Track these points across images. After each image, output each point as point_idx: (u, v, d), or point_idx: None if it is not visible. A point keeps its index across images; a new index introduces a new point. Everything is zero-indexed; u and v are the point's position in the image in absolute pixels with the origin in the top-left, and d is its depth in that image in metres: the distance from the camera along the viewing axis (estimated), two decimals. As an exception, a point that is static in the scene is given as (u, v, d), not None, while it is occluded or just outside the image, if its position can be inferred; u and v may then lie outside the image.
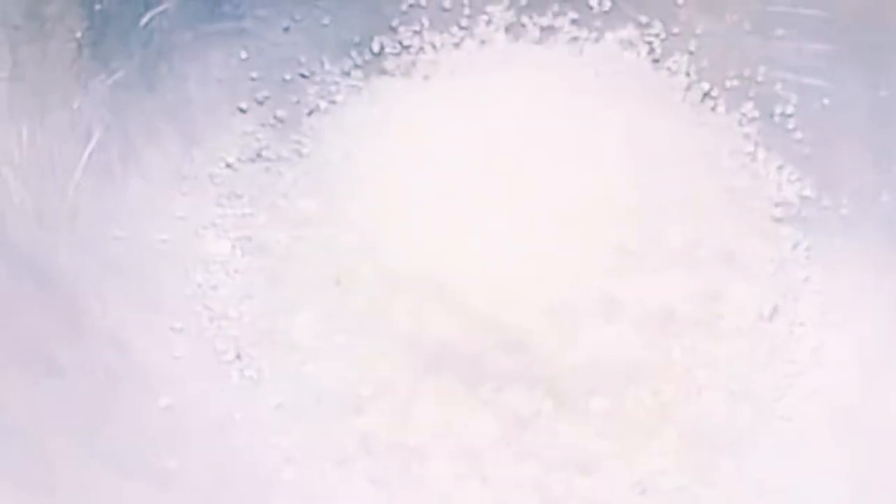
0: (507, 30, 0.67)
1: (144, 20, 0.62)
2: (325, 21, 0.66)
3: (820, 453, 0.56)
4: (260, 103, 0.66)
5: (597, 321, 0.58)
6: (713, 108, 0.65)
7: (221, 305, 0.61)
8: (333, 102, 0.66)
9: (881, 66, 0.61)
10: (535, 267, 0.57)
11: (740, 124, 0.65)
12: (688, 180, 0.62)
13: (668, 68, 0.66)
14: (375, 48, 0.67)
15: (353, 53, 0.67)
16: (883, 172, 0.61)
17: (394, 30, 0.67)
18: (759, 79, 0.65)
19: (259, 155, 0.65)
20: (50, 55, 0.59)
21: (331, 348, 0.59)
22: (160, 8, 0.63)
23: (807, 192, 0.63)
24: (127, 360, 0.57)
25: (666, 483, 0.57)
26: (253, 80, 0.66)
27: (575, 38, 0.67)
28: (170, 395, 0.57)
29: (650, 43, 0.66)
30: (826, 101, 0.63)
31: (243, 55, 0.65)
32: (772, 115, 0.65)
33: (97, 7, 0.60)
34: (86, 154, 0.60)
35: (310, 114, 0.66)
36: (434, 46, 0.67)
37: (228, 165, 0.65)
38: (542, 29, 0.67)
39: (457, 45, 0.67)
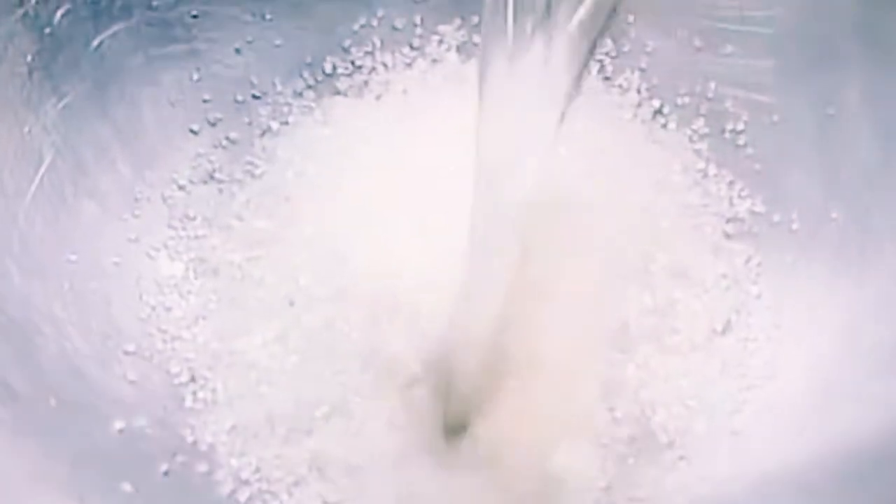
0: (459, 49, 0.67)
1: (95, 43, 0.62)
2: (278, 42, 0.66)
3: (772, 467, 0.56)
4: (212, 125, 0.66)
5: (551, 338, 0.58)
6: (664, 125, 0.66)
7: (175, 328, 0.61)
8: (286, 123, 0.66)
9: (829, 83, 0.62)
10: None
11: (691, 141, 0.65)
12: (639, 197, 0.63)
13: (620, 86, 0.67)
14: (328, 69, 0.67)
15: (306, 74, 0.67)
16: (832, 189, 0.61)
17: (346, 50, 0.67)
18: (710, 95, 0.65)
19: (212, 176, 0.65)
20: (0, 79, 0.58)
21: (285, 369, 0.59)
22: (111, 30, 0.62)
23: (758, 208, 0.64)
24: (80, 384, 0.57)
25: (621, 499, 0.57)
26: (205, 101, 0.66)
27: (527, 57, 0.67)
28: (124, 418, 0.56)
29: (601, 61, 0.67)
30: (776, 117, 0.63)
31: (195, 77, 0.65)
32: (722, 132, 0.65)
33: (47, 30, 0.60)
34: (37, 178, 0.59)
35: (262, 135, 0.66)
36: (386, 66, 0.67)
37: (181, 187, 0.64)
38: (494, 48, 0.67)
39: (409, 65, 0.67)
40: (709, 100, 0.65)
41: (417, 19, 0.67)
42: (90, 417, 0.56)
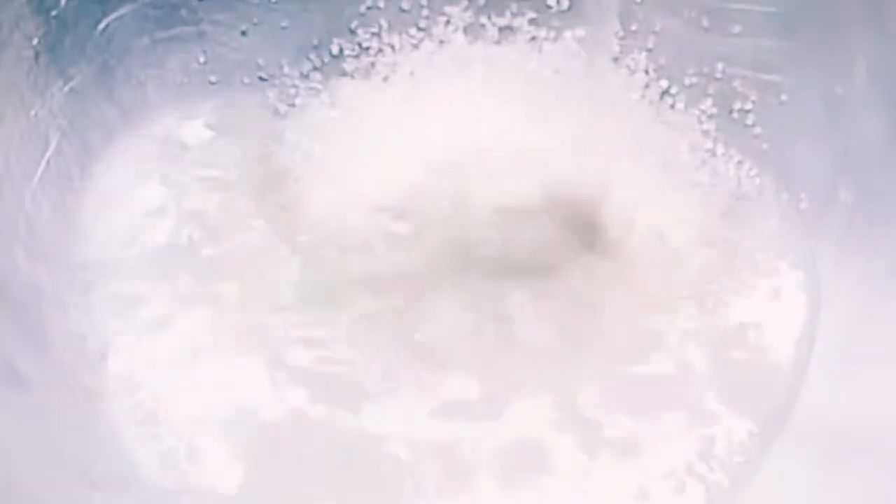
0: (466, 30, 0.67)
1: (101, 26, 0.62)
2: (284, 24, 0.66)
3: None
4: (219, 107, 0.66)
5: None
6: (672, 106, 0.65)
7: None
8: (293, 105, 0.66)
9: (837, 62, 0.61)
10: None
11: (699, 121, 0.65)
12: (648, 177, 0.63)
13: (627, 66, 0.66)
14: (334, 50, 0.67)
15: (312, 56, 0.66)
16: (840, 168, 0.61)
17: (353, 32, 0.67)
18: (718, 76, 0.65)
19: (219, 159, 0.65)
20: (6, 62, 0.58)
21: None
22: (117, 13, 0.62)
23: (767, 188, 0.63)
24: (91, 368, 0.57)
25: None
26: (212, 83, 0.66)
27: (534, 38, 0.67)
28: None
29: (608, 42, 0.66)
30: (784, 97, 0.63)
31: (202, 59, 0.65)
32: (731, 112, 0.65)
33: (53, 13, 0.60)
34: (43, 161, 0.59)
35: (270, 117, 0.66)
36: (393, 48, 0.67)
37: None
38: (501, 29, 0.67)
39: (416, 47, 0.67)
40: (717, 80, 0.65)
41: (424, 0, 0.67)
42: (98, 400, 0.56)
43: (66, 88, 0.61)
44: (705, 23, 0.65)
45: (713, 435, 0.58)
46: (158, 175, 0.64)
